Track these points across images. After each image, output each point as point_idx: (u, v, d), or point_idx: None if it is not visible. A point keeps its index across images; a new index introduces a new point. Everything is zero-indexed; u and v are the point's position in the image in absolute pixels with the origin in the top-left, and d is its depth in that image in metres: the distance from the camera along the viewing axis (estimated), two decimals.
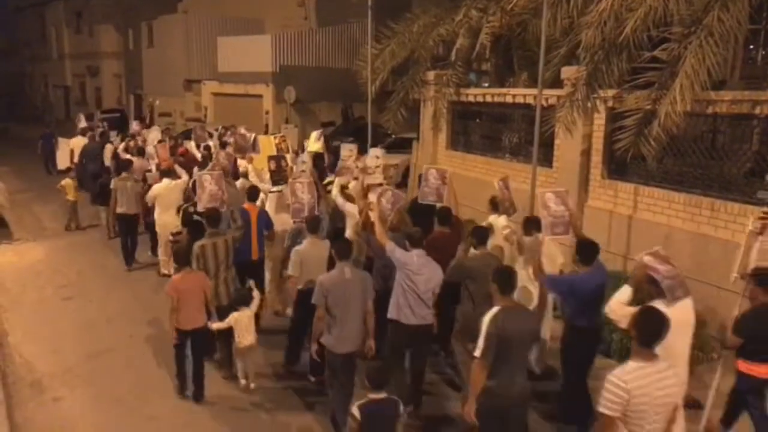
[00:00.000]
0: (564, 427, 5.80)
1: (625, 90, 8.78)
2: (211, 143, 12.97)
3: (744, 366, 5.21)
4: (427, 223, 6.96)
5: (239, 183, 9.51)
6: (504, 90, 11.92)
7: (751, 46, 10.44)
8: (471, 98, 12.57)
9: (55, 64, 40.71)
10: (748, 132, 7.75)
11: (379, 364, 4.75)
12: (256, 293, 6.79)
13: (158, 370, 7.23)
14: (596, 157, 9.59)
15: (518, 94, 11.32)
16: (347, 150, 8.95)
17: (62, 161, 17.40)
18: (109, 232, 12.53)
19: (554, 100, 9.80)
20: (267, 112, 22.84)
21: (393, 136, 18.00)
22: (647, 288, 4.74)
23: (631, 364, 3.63)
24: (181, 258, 6.43)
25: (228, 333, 6.61)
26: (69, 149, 16.74)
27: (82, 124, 17.90)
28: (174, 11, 27.81)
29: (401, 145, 17.10)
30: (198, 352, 6.48)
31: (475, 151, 12.69)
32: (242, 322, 6.46)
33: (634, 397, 3.52)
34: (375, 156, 8.78)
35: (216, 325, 6.48)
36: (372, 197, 7.27)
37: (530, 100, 10.57)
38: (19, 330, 8.34)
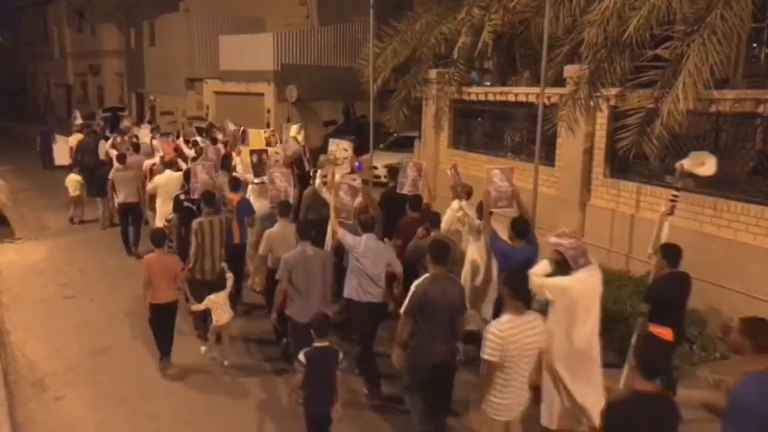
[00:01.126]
0: None
1: (628, 88, 8.77)
2: (198, 139, 13.78)
3: (653, 329, 5.78)
4: (402, 210, 7.67)
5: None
6: (506, 88, 11.90)
7: (754, 45, 10.41)
8: (473, 97, 12.55)
9: (57, 62, 40.76)
10: (751, 131, 7.73)
11: (321, 316, 5.20)
12: (229, 275, 7.33)
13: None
14: (598, 156, 9.57)
15: (520, 92, 11.30)
16: (334, 144, 9.50)
17: (60, 158, 17.88)
18: (103, 223, 13.14)
19: (556, 99, 9.77)
20: (269, 111, 22.83)
21: (395, 134, 18.02)
22: (560, 262, 5.40)
23: (505, 318, 4.40)
24: (156, 240, 6.98)
25: (205, 311, 7.17)
26: (68, 146, 17.20)
27: (78, 121, 18.55)
28: (176, 10, 27.76)
29: (403, 144, 17.11)
30: (168, 323, 7.10)
31: (477, 149, 12.67)
32: (218, 303, 7.00)
33: (508, 344, 4.26)
34: (343, 148, 9.34)
35: (195, 307, 7.06)
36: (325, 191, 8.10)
37: (532, 99, 10.55)
38: (21, 329, 8.35)
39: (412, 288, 5.21)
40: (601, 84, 8.97)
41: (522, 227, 6.26)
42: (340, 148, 9.35)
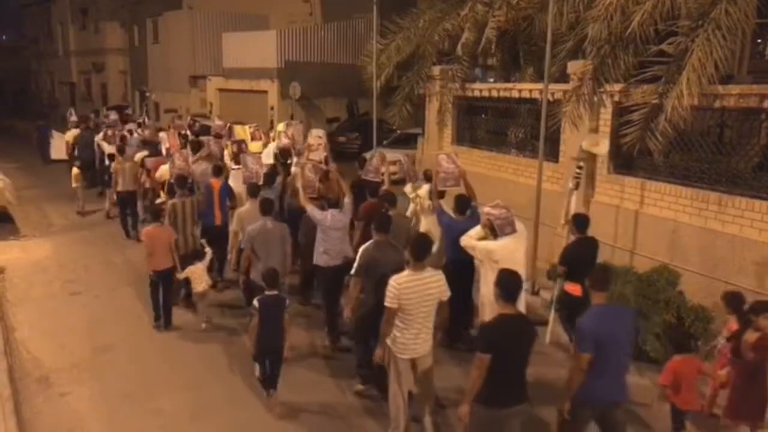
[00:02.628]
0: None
1: (632, 84, 8.74)
2: (188, 132, 14.88)
3: (567, 287, 6.95)
4: (365, 194, 8.56)
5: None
6: (510, 85, 11.88)
7: (759, 40, 10.38)
8: (476, 93, 12.53)
9: (61, 60, 40.84)
10: (756, 126, 7.69)
11: (272, 270, 6.21)
12: (207, 250, 8.39)
13: (165, 364, 7.26)
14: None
15: (524, 88, 11.27)
16: (314, 135, 10.64)
17: (56, 152, 18.58)
18: (108, 212, 14.09)
19: (560, 95, 9.75)
20: (272, 108, 22.84)
21: (398, 131, 18.00)
22: (490, 229, 6.51)
23: (404, 273, 5.29)
24: (153, 214, 8.52)
25: (187, 280, 8.16)
26: (64, 141, 17.91)
27: (74, 118, 19.42)
28: (179, 7, 27.79)
29: (406, 141, 17.09)
30: (167, 287, 8.07)
31: (480, 146, 12.65)
32: (196, 273, 8.03)
33: (403, 294, 5.14)
34: (318, 135, 10.57)
35: (178, 275, 8.07)
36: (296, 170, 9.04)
37: (536, 95, 10.53)
38: (26, 325, 8.38)
39: (359, 252, 6.24)
40: (605, 80, 8.95)
41: (462, 203, 7.36)
42: (314, 135, 10.59)
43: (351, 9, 21.36)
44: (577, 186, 8.04)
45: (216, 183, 9.28)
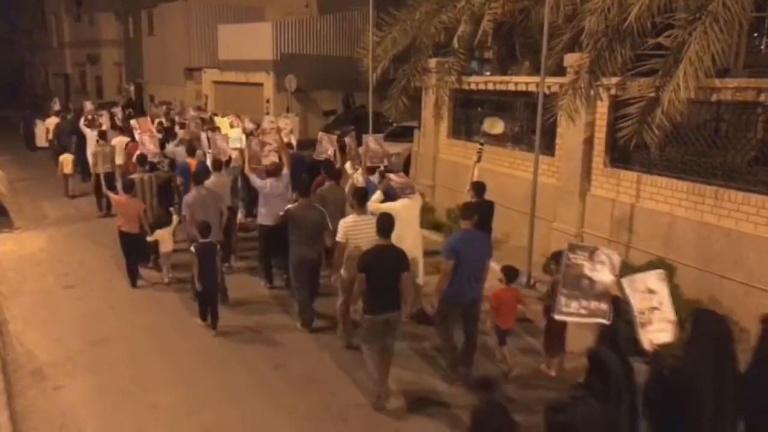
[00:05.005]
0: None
1: (629, 77, 8.72)
2: (163, 119, 16.41)
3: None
4: (318, 171, 9.81)
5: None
6: (506, 78, 11.84)
7: (756, 34, 10.36)
8: (473, 86, 12.49)
9: (55, 52, 40.60)
10: (752, 120, 7.69)
11: (204, 223, 7.75)
12: (175, 217, 9.63)
13: (160, 358, 7.23)
14: (599, 146, 9.53)
15: (520, 81, 11.24)
16: (267, 121, 12.97)
17: (40, 140, 19.92)
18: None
19: (557, 88, 9.71)
20: (268, 101, 22.76)
21: (394, 124, 17.94)
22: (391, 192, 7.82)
23: (350, 216, 7.04)
24: (126, 187, 9.83)
25: (155, 243, 9.42)
26: (44, 128, 19.35)
27: (57, 107, 20.93)
28: None
29: (403, 134, 17.04)
30: (133, 249, 9.37)
31: (476, 139, 12.60)
32: (164, 237, 9.30)
33: (349, 231, 6.83)
34: (270, 120, 13.01)
35: (149, 238, 9.29)
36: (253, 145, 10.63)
37: (532, 88, 10.48)
38: (20, 318, 8.34)
39: (285, 211, 7.93)
40: (601, 73, 8.92)
41: (383, 176, 8.66)
42: (267, 120, 13.03)
43: (347, 1, 21.27)
44: (479, 159, 9.80)
45: (192, 162, 10.42)
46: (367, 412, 6.08)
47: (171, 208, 9.96)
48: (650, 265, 8.08)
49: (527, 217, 9.37)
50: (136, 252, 9.46)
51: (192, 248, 7.62)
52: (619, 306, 4.66)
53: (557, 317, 5.09)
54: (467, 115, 13.03)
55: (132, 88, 29.09)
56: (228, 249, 9.65)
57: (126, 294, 9.18)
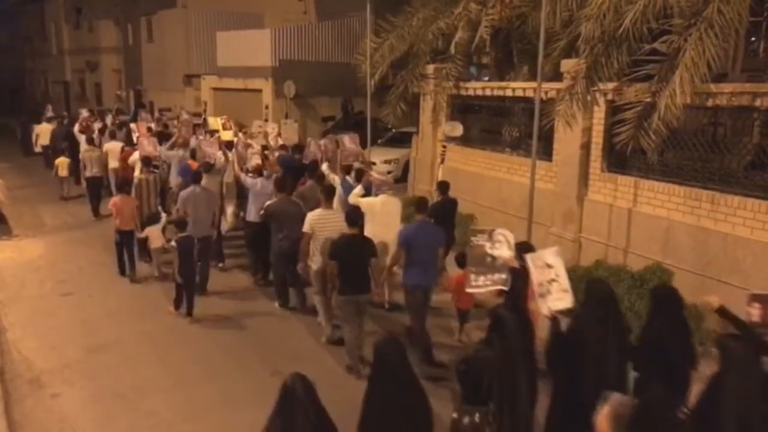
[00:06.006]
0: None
1: (625, 83, 8.74)
2: (152, 125, 16.56)
3: None
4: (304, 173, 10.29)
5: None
6: (503, 83, 11.88)
7: (753, 39, 10.39)
8: (471, 92, 12.53)
9: (54, 59, 40.60)
10: (748, 124, 7.70)
11: (181, 219, 8.68)
12: (163, 215, 10.39)
13: (157, 365, 7.24)
14: (596, 151, 9.55)
15: (518, 87, 11.27)
16: (256, 126, 14.31)
17: (36, 145, 19.91)
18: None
19: (554, 94, 9.74)
20: (266, 107, 22.76)
21: (393, 130, 17.98)
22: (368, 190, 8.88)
23: (318, 210, 7.64)
24: (121, 187, 10.41)
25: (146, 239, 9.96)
26: (35, 135, 19.79)
27: (49, 113, 21.51)
28: (173, 6, 27.64)
29: (401, 140, 17.07)
30: (129, 245, 10.02)
31: (474, 145, 12.65)
32: (153, 233, 9.81)
33: (315, 224, 7.47)
34: (258, 125, 14.34)
35: (139, 235, 9.90)
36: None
37: (530, 94, 10.51)
38: (18, 326, 8.34)
39: (265, 206, 8.66)
40: (598, 78, 8.93)
41: (358, 173, 9.50)
42: (256, 125, 14.28)
43: (346, 7, 21.31)
44: (442, 161, 10.80)
45: (194, 164, 11.10)
46: None
47: (159, 207, 10.72)
48: (648, 270, 8.12)
49: (525, 222, 9.37)
50: (129, 246, 10.10)
51: (173, 242, 8.41)
52: (517, 274, 5.48)
53: (468, 290, 5.97)
54: (465, 120, 13.04)
55: (124, 94, 29.32)
56: (220, 248, 10.44)
57: (124, 301, 9.19)
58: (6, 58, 47.28)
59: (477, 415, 3.77)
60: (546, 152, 10.34)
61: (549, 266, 5.22)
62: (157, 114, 21.23)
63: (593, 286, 4.82)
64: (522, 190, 10.08)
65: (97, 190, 14.06)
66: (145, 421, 6.13)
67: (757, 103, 7.38)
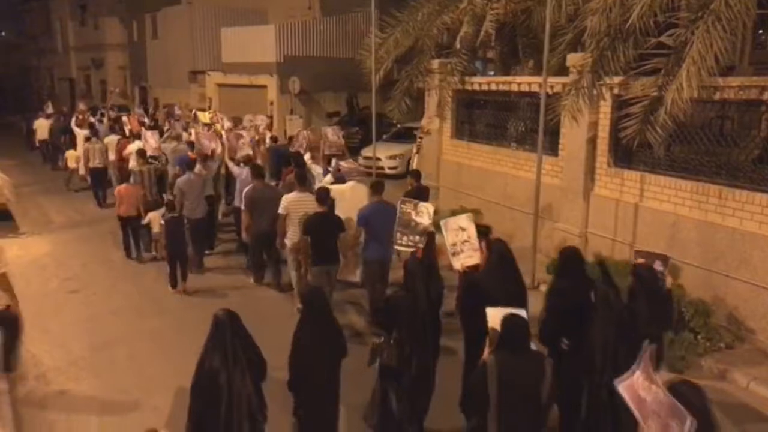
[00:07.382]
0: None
1: (632, 77, 8.67)
2: (146, 119, 17.86)
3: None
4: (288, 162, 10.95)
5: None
6: (509, 78, 11.82)
7: (760, 31, 10.30)
8: (476, 87, 12.47)
9: (60, 57, 40.74)
10: (756, 118, 7.62)
11: (170, 202, 9.47)
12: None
13: (163, 362, 7.24)
14: (602, 145, 9.49)
15: (523, 82, 11.20)
16: (247, 119, 15.24)
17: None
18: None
19: (560, 88, 9.68)
20: (271, 103, 22.76)
21: (398, 125, 17.94)
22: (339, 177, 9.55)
23: (293, 193, 8.36)
24: (124, 177, 11.82)
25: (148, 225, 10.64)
26: (34, 130, 20.72)
27: (49, 110, 22.22)
28: (178, 2, 27.69)
29: (406, 135, 17.04)
30: (134, 230, 10.86)
31: (480, 140, 12.60)
32: (154, 219, 10.37)
33: (290, 205, 8.24)
34: (249, 118, 15.30)
35: (143, 221, 10.55)
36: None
37: (535, 88, 10.45)
38: (25, 323, 8.31)
39: (243, 193, 9.48)
40: (604, 72, 8.86)
41: (328, 161, 10.63)
42: (247, 118, 15.26)
43: (350, 3, 21.24)
44: (418, 150, 11.93)
45: (192, 156, 11.44)
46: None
47: (164, 195, 11.25)
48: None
49: (531, 217, 9.35)
50: (135, 231, 10.92)
51: (162, 221, 9.41)
52: (432, 237, 6.79)
53: (395, 247, 7.18)
54: (470, 115, 13.01)
55: (117, 90, 30.00)
56: (212, 234, 11.32)
57: (130, 298, 9.21)
58: (12, 56, 47.45)
59: (383, 338, 4.87)
60: (552, 147, 10.29)
61: (462, 229, 6.25)
62: (150, 109, 22.94)
63: (496, 245, 5.90)
64: (528, 185, 10.04)
65: (100, 181, 14.98)
66: (151, 418, 6.12)
67: (765, 96, 7.30)
